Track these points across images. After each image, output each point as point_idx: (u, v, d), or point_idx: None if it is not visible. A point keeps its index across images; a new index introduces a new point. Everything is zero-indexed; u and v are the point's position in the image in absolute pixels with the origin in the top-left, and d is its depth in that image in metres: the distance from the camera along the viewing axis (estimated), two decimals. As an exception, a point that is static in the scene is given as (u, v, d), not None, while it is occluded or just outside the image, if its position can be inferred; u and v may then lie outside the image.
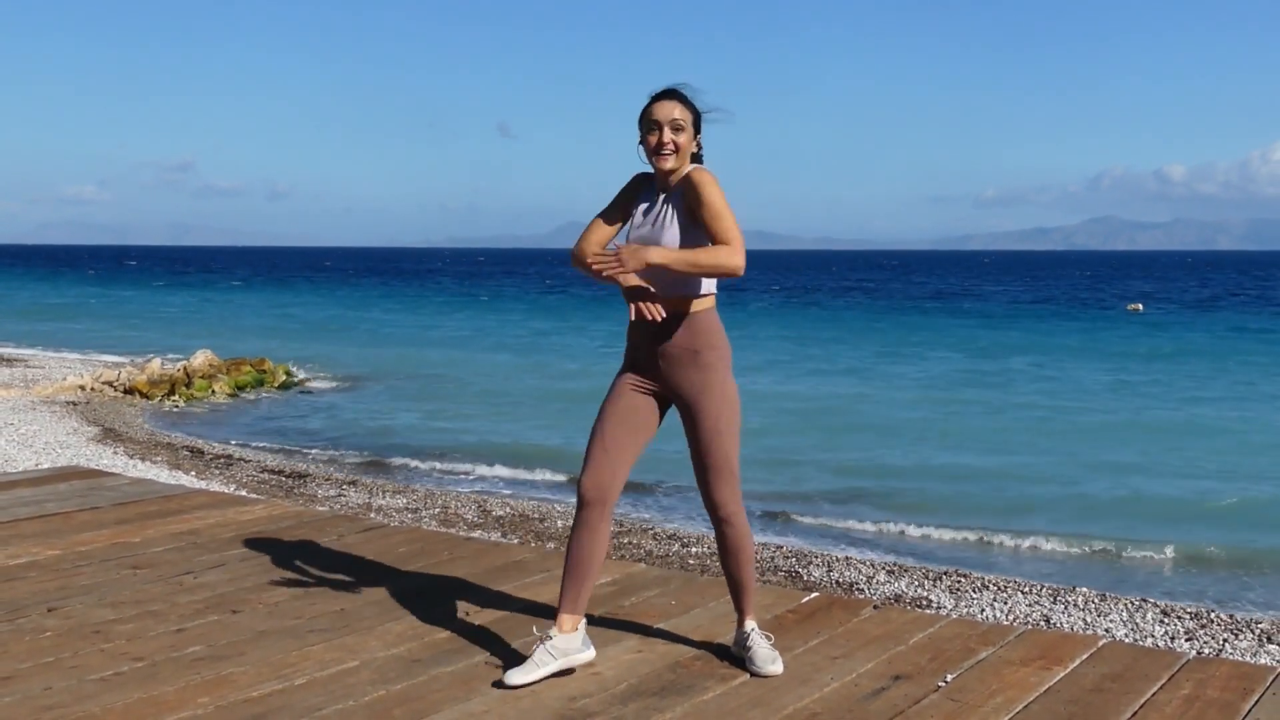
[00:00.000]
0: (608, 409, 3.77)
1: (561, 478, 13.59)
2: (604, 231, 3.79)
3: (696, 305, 3.69)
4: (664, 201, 3.70)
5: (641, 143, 3.68)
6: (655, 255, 3.48)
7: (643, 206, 3.76)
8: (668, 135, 3.61)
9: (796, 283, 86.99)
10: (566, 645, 3.68)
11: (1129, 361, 28.97)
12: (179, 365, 22.71)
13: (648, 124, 3.64)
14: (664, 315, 3.57)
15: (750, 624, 3.86)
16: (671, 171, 3.67)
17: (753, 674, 3.76)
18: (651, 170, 3.74)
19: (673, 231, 3.63)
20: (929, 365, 28.08)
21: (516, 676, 3.61)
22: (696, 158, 3.74)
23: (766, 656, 3.78)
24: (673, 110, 3.61)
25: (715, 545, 3.96)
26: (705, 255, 3.49)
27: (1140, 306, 54.62)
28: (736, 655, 3.89)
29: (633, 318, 3.60)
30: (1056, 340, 35.69)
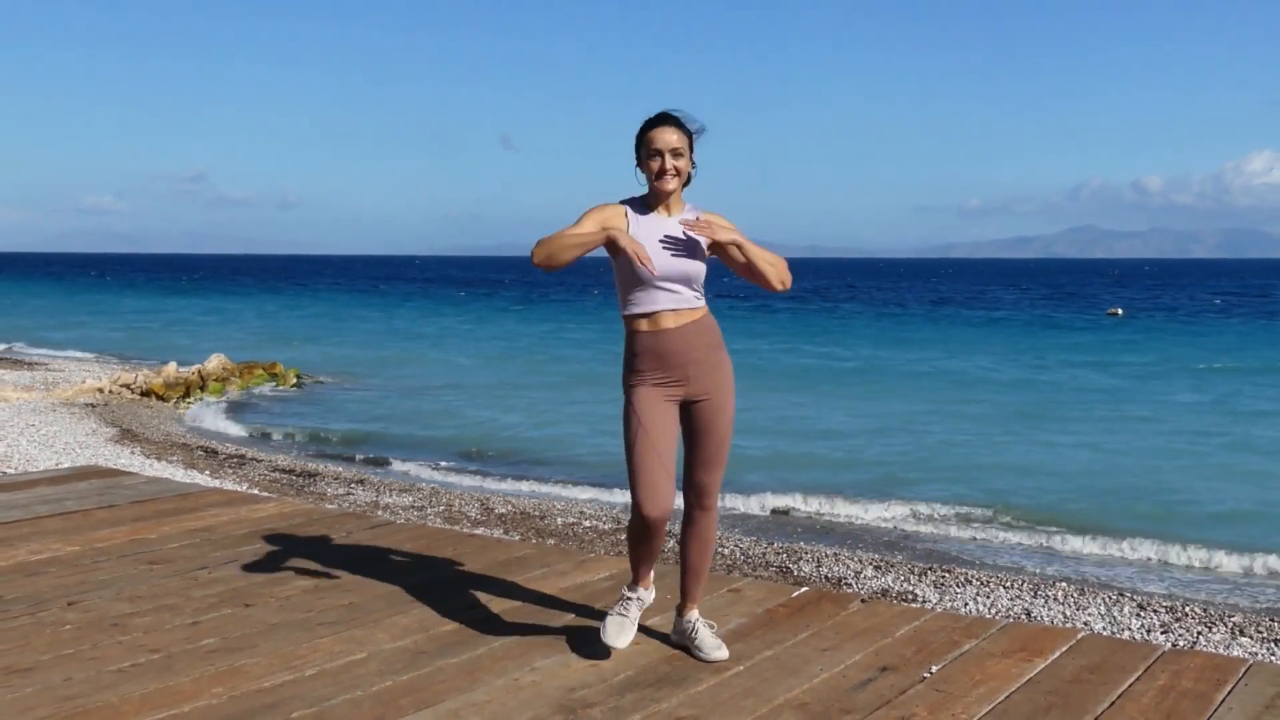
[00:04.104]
0: (653, 430, 3.69)
1: (560, 477, 13.60)
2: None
3: (705, 309, 3.82)
4: (678, 224, 3.73)
5: (640, 166, 3.74)
6: (737, 235, 3.67)
7: (649, 226, 3.72)
8: (669, 162, 3.67)
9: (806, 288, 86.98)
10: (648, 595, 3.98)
11: (1114, 361, 29.00)
12: (194, 368, 22.70)
13: (649, 151, 3.68)
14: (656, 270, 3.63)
15: (695, 612, 3.92)
16: (671, 193, 3.73)
17: (697, 657, 3.82)
18: (644, 191, 3.80)
19: (702, 252, 3.73)
20: (921, 368, 28.09)
21: (615, 639, 3.78)
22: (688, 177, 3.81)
23: (713, 643, 3.85)
24: (671, 137, 3.66)
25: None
26: (771, 256, 3.72)
27: (1120, 311, 54.70)
28: (678, 643, 3.93)
29: (649, 271, 3.61)
30: (1044, 340, 35.74)
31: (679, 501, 3.80)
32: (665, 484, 3.67)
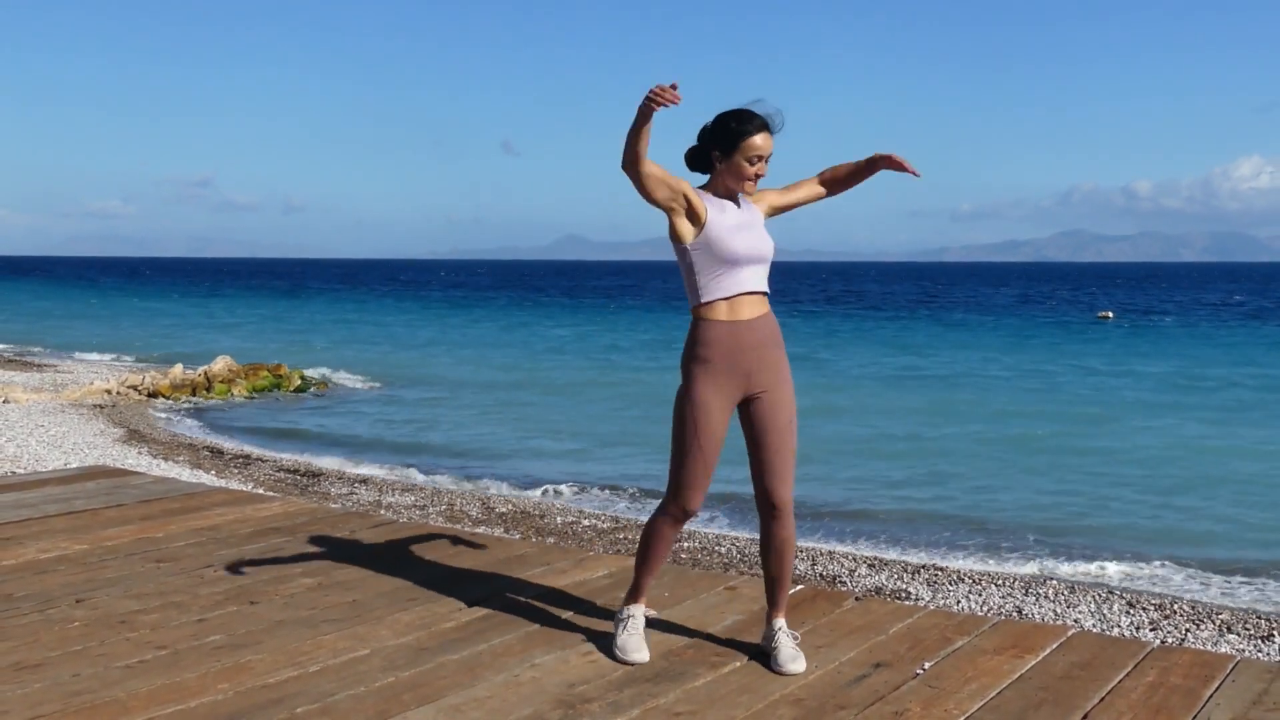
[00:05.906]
0: (712, 433, 3.67)
1: (559, 476, 13.60)
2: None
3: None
4: (748, 210, 3.71)
5: (726, 157, 3.59)
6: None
7: (724, 205, 3.65)
8: (765, 170, 3.64)
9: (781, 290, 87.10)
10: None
11: (1105, 364, 29.01)
12: (200, 370, 22.69)
13: (750, 154, 3.58)
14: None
15: (779, 621, 3.80)
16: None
17: (774, 670, 3.70)
18: (702, 183, 3.71)
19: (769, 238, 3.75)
20: (917, 370, 28.10)
21: (640, 654, 3.75)
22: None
23: (789, 655, 3.71)
24: (771, 145, 3.62)
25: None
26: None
27: (1110, 314, 54.69)
28: (763, 649, 3.83)
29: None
30: (1033, 343, 35.74)
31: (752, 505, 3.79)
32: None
